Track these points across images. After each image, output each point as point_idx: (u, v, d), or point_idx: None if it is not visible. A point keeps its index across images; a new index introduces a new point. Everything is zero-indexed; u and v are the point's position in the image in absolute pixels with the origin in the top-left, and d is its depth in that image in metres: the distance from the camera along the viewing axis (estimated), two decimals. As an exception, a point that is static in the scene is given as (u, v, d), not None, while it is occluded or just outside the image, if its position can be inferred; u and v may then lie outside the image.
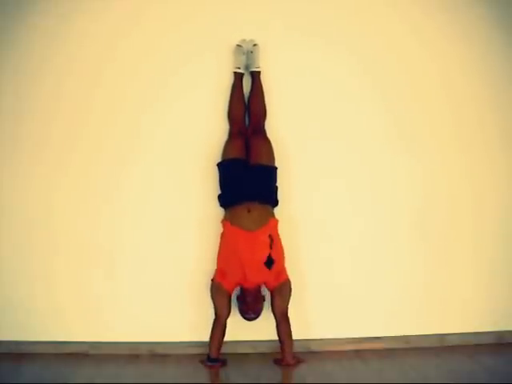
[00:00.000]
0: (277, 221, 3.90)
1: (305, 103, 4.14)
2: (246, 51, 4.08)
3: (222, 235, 3.87)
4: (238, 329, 3.97)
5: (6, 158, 4.09)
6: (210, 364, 3.81)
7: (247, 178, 3.89)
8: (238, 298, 3.89)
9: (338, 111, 4.16)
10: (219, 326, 3.82)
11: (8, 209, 4.08)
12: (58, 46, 4.08)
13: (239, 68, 4.08)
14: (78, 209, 4.09)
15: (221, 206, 3.96)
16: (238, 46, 4.08)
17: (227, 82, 4.10)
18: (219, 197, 3.96)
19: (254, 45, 4.07)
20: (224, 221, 3.89)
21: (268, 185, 3.95)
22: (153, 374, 3.76)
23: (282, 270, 3.85)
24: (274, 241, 3.81)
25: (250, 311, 3.82)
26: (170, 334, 4.07)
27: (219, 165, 3.99)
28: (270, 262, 3.77)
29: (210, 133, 4.09)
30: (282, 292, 3.82)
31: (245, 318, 3.86)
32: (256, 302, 3.83)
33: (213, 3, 4.12)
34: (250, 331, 4.03)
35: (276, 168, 3.98)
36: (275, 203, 3.94)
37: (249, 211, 3.80)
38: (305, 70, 4.14)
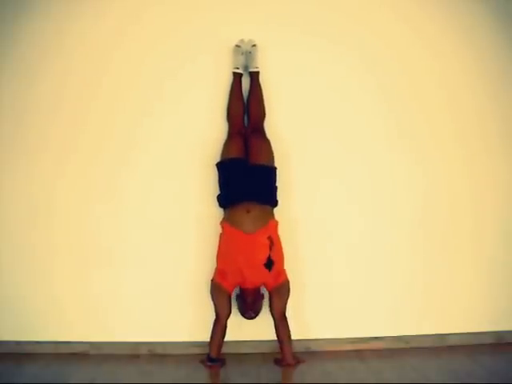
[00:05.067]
0: (277, 222, 3.89)
1: (304, 103, 4.15)
2: (245, 51, 4.08)
3: (221, 236, 3.87)
4: (239, 329, 3.98)
5: (6, 158, 4.10)
6: (209, 364, 3.82)
7: (247, 178, 3.88)
8: (238, 298, 3.89)
9: (337, 111, 4.17)
10: (219, 326, 3.82)
11: (8, 209, 4.09)
12: (58, 47, 4.09)
13: (238, 68, 4.08)
14: (77, 209, 4.10)
15: (220, 206, 3.96)
16: (236, 46, 4.08)
17: (226, 82, 4.10)
18: (218, 197, 3.96)
19: (253, 45, 4.08)
20: (223, 222, 3.89)
21: (268, 185, 3.94)
22: (153, 373, 3.76)
23: (281, 271, 3.85)
24: (273, 242, 3.80)
25: (250, 310, 3.82)
26: (170, 334, 4.08)
27: (218, 165, 3.99)
28: (269, 264, 3.77)
29: (210, 133, 4.10)
30: (280, 292, 3.83)
31: (244, 317, 3.86)
32: (255, 301, 3.83)
33: (212, 4, 4.13)
34: (251, 331, 4.04)
35: (275, 168, 3.97)
36: (275, 204, 3.93)
37: (248, 212, 3.79)
38: (304, 70, 4.14)
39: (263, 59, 4.10)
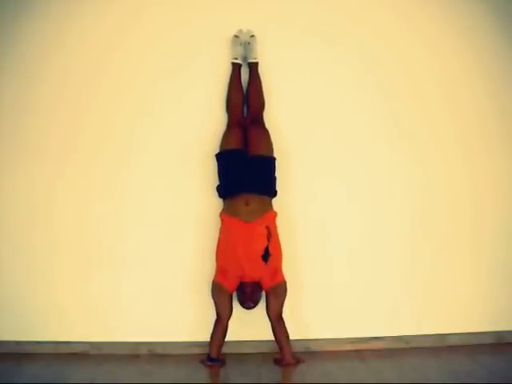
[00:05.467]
0: (275, 213, 3.90)
1: (304, 103, 4.14)
2: (243, 42, 4.07)
3: (221, 229, 3.88)
4: (239, 329, 3.98)
5: (6, 158, 4.10)
6: (210, 364, 3.82)
7: (246, 169, 3.88)
8: (237, 289, 3.88)
9: (337, 111, 4.17)
10: (220, 327, 3.82)
11: (8, 209, 4.09)
12: (58, 47, 4.09)
13: (237, 59, 4.08)
14: (77, 209, 4.10)
15: (219, 196, 3.96)
16: (235, 36, 4.08)
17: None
18: (218, 188, 3.96)
19: (251, 36, 4.07)
20: (222, 213, 3.90)
21: (267, 175, 3.94)
22: (153, 373, 3.76)
23: (279, 270, 3.86)
24: (271, 233, 3.81)
25: (249, 301, 3.83)
26: (170, 333, 4.08)
27: (218, 155, 3.99)
28: (266, 255, 3.78)
29: (210, 133, 4.09)
30: (277, 293, 3.82)
31: (243, 307, 3.86)
32: (254, 292, 3.83)
33: (212, 4, 4.13)
34: (251, 331, 4.04)
35: (275, 158, 3.97)
36: (274, 194, 3.94)
37: (247, 202, 3.80)
38: (304, 70, 4.14)
39: (263, 59, 4.09)
